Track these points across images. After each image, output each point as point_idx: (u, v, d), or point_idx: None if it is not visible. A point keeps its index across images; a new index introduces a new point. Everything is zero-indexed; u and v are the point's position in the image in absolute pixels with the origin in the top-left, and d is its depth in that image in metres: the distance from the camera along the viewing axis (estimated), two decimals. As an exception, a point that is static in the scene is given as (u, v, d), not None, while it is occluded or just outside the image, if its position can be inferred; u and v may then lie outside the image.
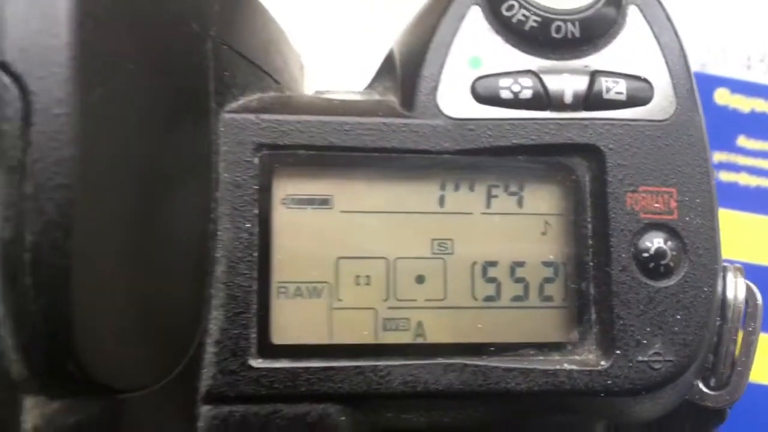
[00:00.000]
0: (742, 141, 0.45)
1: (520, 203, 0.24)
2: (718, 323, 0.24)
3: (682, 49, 0.24)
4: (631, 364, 0.22)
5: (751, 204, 0.44)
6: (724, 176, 0.44)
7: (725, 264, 0.25)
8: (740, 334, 0.25)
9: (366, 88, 0.27)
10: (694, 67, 0.46)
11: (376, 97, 0.26)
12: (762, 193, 0.44)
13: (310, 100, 0.25)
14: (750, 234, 0.43)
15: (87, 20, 0.18)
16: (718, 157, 0.45)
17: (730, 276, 0.24)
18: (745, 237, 0.43)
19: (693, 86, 0.24)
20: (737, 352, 0.24)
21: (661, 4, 0.25)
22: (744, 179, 0.44)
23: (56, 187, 0.17)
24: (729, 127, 0.45)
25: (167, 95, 0.21)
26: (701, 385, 0.24)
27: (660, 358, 0.22)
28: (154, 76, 0.20)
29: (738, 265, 0.25)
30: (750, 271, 0.42)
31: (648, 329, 0.22)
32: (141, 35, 0.20)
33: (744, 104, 0.45)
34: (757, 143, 0.45)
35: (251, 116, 0.23)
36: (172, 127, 0.21)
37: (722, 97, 0.45)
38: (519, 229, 0.24)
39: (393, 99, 0.25)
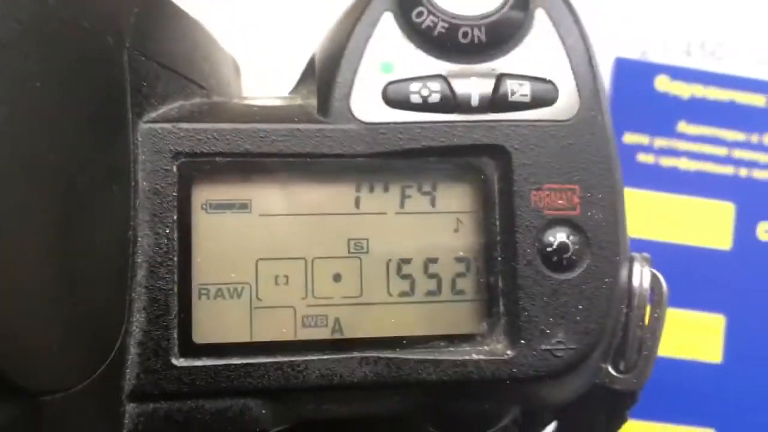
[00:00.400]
0: (683, 126, 0.46)
1: (432, 202, 0.25)
2: (624, 311, 0.25)
3: (587, 50, 0.25)
4: (535, 353, 0.23)
5: (692, 187, 0.45)
6: (665, 161, 0.46)
7: (633, 254, 0.26)
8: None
9: (291, 92, 0.28)
10: (635, 55, 0.47)
11: (299, 101, 0.26)
12: (702, 176, 0.46)
13: (231, 107, 0.26)
14: (693, 217, 0.45)
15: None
16: (659, 143, 0.46)
17: (636, 265, 0.26)
18: (688, 220, 0.45)
19: (597, 87, 0.25)
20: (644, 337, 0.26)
21: (569, 6, 0.26)
22: (684, 164, 0.46)
23: None
24: (669, 113, 0.46)
25: (80, 109, 0.21)
26: (611, 369, 0.26)
27: (563, 347, 0.24)
28: (65, 92, 0.21)
29: (645, 254, 0.26)
30: (693, 254, 0.44)
31: (551, 319, 0.24)
32: (49, 56, 0.20)
33: (684, 90, 0.46)
34: (697, 128, 0.46)
35: (168, 126, 0.23)
36: (88, 139, 0.22)
37: (662, 83, 0.46)
38: (432, 227, 0.25)
39: (313, 103, 0.25)
